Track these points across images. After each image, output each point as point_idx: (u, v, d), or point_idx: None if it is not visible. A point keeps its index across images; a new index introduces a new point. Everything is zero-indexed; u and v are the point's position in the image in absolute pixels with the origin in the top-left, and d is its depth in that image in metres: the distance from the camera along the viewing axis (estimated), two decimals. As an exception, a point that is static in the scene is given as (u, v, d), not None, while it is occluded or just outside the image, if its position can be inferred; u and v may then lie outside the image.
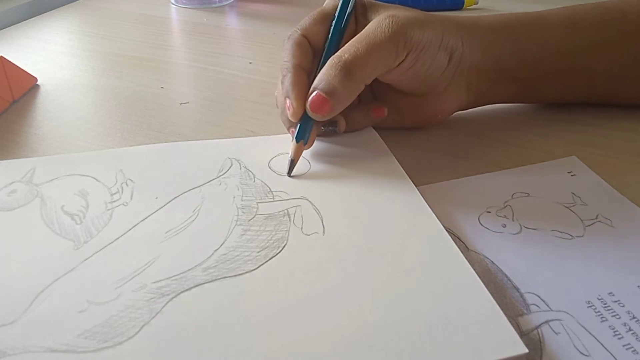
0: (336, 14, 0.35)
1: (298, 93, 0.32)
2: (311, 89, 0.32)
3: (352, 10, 0.35)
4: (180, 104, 0.44)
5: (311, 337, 0.23)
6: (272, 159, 0.35)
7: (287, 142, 0.36)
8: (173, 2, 0.69)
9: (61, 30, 0.61)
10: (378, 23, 0.32)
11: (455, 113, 0.38)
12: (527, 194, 0.32)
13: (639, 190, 0.32)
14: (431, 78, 0.34)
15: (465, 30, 0.35)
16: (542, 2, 0.65)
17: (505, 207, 0.31)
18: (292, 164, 0.33)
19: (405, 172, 0.33)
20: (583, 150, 0.36)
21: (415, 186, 0.32)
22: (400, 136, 0.38)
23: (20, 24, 0.62)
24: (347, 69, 0.31)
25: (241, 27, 0.62)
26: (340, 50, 0.32)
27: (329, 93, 0.31)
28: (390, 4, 0.35)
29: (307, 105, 0.32)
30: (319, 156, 0.35)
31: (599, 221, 0.30)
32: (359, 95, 0.37)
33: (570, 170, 0.34)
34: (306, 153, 0.35)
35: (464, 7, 0.64)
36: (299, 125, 0.33)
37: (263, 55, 0.53)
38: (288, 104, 0.33)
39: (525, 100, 0.41)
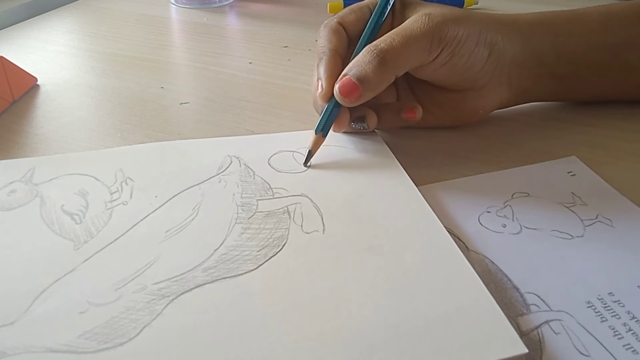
0: (376, 7, 0.35)
1: (330, 75, 0.33)
2: (342, 74, 0.33)
3: (392, 5, 0.35)
4: (180, 104, 0.44)
5: (311, 338, 0.23)
6: (272, 156, 0.35)
7: (286, 140, 0.36)
8: (173, 2, 0.69)
9: (61, 30, 0.61)
10: (415, 19, 0.33)
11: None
12: (527, 194, 0.32)
13: (639, 190, 0.32)
14: (470, 72, 0.35)
15: (505, 26, 0.36)
16: (542, 3, 0.65)
17: (505, 207, 0.31)
18: (309, 155, 0.34)
19: (405, 171, 0.33)
20: (583, 150, 0.36)
21: (416, 186, 0.32)
22: (400, 136, 0.38)
23: (20, 24, 0.62)
24: (382, 57, 0.32)
25: (241, 27, 0.62)
26: (376, 40, 0.33)
27: (361, 79, 0.32)
28: (428, 2, 0.36)
29: (336, 89, 0.32)
30: (320, 154, 0.35)
31: (599, 221, 0.30)
32: (397, 92, 0.38)
33: (570, 170, 0.34)
34: (306, 150, 0.35)
35: (464, 7, 0.64)
36: (320, 117, 0.34)
37: (263, 55, 0.53)
38: (318, 85, 0.34)
39: (565, 98, 0.41)
